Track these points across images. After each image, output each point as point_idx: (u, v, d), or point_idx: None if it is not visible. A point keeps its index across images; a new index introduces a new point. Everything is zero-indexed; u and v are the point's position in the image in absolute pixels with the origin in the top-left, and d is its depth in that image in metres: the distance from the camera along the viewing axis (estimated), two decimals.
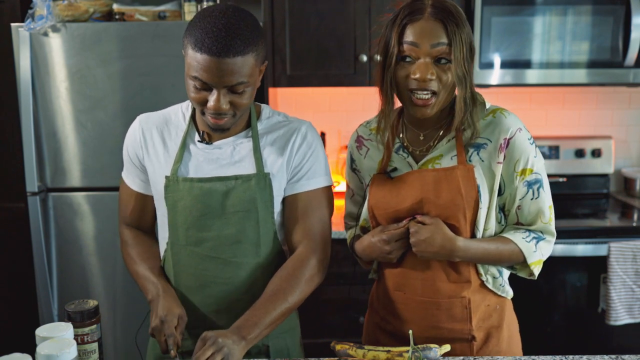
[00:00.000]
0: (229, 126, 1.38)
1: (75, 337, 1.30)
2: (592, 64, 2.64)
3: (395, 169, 1.49)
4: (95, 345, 1.33)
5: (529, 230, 1.45)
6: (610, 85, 2.89)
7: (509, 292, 1.51)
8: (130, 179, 1.56)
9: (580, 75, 2.65)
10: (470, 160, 1.42)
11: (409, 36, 1.35)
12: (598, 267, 2.49)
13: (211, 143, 1.46)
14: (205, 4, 2.49)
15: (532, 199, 1.43)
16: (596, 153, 3.02)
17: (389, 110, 1.44)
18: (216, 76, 1.27)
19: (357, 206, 1.62)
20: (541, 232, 1.45)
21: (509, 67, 2.63)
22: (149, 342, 1.58)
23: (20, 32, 2.37)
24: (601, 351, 2.42)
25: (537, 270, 1.47)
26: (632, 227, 2.63)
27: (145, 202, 1.57)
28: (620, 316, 2.47)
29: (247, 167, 1.43)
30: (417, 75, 1.34)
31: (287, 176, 1.45)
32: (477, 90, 1.48)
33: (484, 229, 1.44)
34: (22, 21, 2.42)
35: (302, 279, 1.39)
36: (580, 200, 3.02)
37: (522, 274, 1.50)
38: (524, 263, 1.45)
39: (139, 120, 1.53)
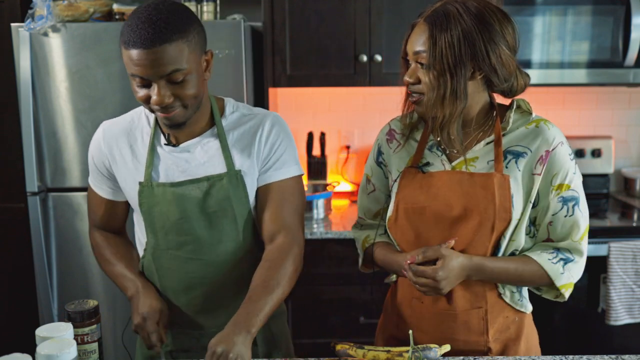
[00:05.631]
0: (183, 120, 1.36)
1: (75, 337, 1.30)
2: (592, 64, 2.64)
3: (428, 164, 1.45)
4: (95, 345, 1.33)
5: (557, 250, 1.40)
6: (610, 85, 2.89)
7: (528, 307, 1.47)
8: (98, 187, 1.55)
9: (580, 75, 2.65)
10: (507, 168, 1.38)
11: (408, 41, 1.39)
12: (598, 267, 2.49)
13: (178, 145, 1.44)
14: (205, 5, 2.49)
15: (565, 216, 1.39)
16: (596, 153, 3.02)
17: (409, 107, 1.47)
18: (149, 67, 1.26)
19: (377, 203, 1.58)
20: (569, 251, 1.41)
21: None
22: (137, 341, 1.58)
23: (20, 32, 2.37)
24: (601, 351, 2.42)
25: (567, 293, 1.43)
26: (632, 227, 2.62)
27: (114, 207, 1.57)
28: (620, 316, 2.47)
29: (217, 167, 1.43)
30: (405, 79, 1.38)
31: (257, 169, 1.45)
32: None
33: (510, 240, 1.39)
34: (22, 21, 2.42)
35: (290, 269, 1.38)
36: None
37: (547, 296, 1.46)
38: (551, 285, 1.41)
39: (102, 129, 1.52)
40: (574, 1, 2.58)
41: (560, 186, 1.37)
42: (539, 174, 1.37)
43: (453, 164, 1.43)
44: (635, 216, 2.79)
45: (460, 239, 1.38)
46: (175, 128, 1.38)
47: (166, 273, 1.47)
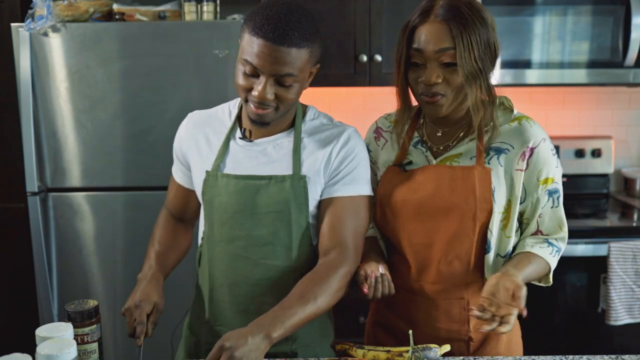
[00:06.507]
0: (269, 120, 1.37)
1: (75, 337, 1.30)
2: (592, 64, 2.64)
3: (410, 162, 1.48)
4: (95, 345, 1.33)
5: (551, 244, 1.45)
6: (610, 85, 2.89)
7: None
8: (175, 170, 1.61)
9: (580, 75, 2.65)
10: (489, 164, 1.41)
11: (415, 42, 1.36)
12: (598, 267, 2.49)
13: (252, 140, 1.46)
14: (205, 5, 2.49)
15: (552, 208, 1.45)
16: (596, 153, 3.02)
17: (405, 107, 1.47)
18: (268, 62, 1.28)
19: None
20: (557, 240, 1.47)
21: (509, 67, 2.63)
22: (182, 337, 1.59)
23: (20, 32, 2.36)
24: (601, 351, 2.42)
25: (551, 277, 1.48)
26: (632, 227, 2.63)
27: (186, 195, 1.60)
28: (620, 316, 2.47)
29: (284, 168, 1.41)
30: (423, 79, 1.36)
31: (324, 180, 1.42)
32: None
33: (505, 236, 1.43)
34: (22, 21, 2.42)
35: (333, 287, 1.34)
36: (580, 200, 3.02)
37: (534, 281, 1.50)
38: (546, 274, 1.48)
39: (188, 117, 1.57)
40: (574, 1, 2.58)
41: (546, 180, 1.43)
42: (522, 170, 1.41)
43: (437, 160, 1.46)
44: (635, 216, 2.79)
45: (444, 231, 1.42)
46: (258, 125, 1.39)
47: (215, 267, 1.47)
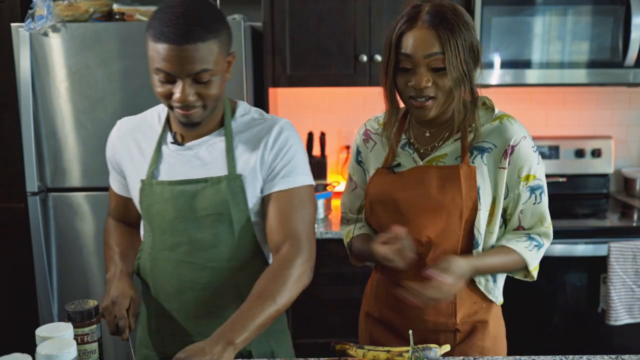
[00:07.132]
0: (199, 120, 1.34)
1: (75, 337, 1.29)
2: (592, 64, 2.64)
3: (398, 165, 1.51)
4: (95, 345, 1.33)
5: (530, 237, 1.48)
6: (610, 85, 2.89)
7: (499, 299, 1.54)
8: (112, 180, 1.58)
9: (580, 75, 2.65)
10: (473, 162, 1.44)
11: (403, 47, 1.37)
12: (598, 267, 2.49)
13: (184, 144, 1.42)
14: None
15: (534, 204, 1.47)
16: (596, 153, 3.02)
17: (393, 110, 1.48)
18: (178, 64, 1.24)
19: (358, 199, 1.65)
20: (540, 235, 1.49)
21: (509, 67, 2.63)
22: (137, 340, 1.57)
23: (20, 32, 2.37)
24: (601, 351, 2.42)
25: (536, 273, 1.50)
26: (632, 227, 2.62)
27: (126, 204, 1.58)
28: (620, 316, 2.47)
29: (219, 169, 1.39)
30: (413, 83, 1.37)
31: (261, 176, 1.40)
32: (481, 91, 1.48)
33: (489, 232, 1.47)
34: (22, 21, 2.43)
35: (290, 280, 1.31)
36: (580, 200, 3.02)
37: (518, 276, 1.53)
38: (524, 269, 1.49)
39: (117, 124, 1.53)
40: (574, 1, 2.58)
41: (527, 177, 1.45)
42: (505, 168, 1.44)
43: (424, 161, 1.48)
44: (635, 216, 2.79)
45: (432, 227, 1.45)
46: (189, 127, 1.36)
47: (160, 275, 1.45)
